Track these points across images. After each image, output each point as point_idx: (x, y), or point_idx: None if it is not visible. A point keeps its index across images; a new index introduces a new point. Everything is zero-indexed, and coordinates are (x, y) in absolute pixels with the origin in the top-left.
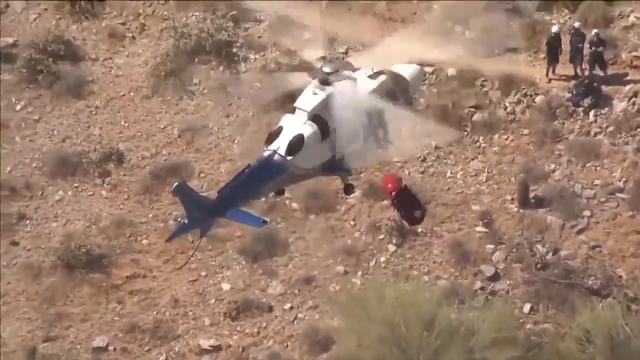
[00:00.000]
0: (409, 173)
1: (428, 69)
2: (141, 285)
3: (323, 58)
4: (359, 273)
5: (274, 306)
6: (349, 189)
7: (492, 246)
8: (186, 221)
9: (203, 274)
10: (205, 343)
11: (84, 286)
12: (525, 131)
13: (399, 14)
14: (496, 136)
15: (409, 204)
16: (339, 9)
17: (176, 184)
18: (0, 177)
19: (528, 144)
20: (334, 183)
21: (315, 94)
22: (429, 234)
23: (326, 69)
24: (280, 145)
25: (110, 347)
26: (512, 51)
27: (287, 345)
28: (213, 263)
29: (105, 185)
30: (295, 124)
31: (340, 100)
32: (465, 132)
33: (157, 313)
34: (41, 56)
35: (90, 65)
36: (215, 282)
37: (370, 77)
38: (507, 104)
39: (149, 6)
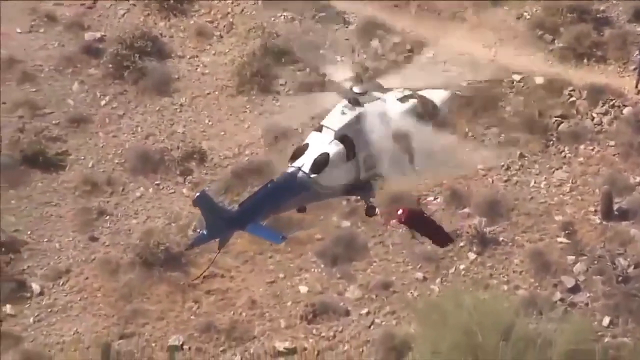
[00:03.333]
0: (492, 181)
1: (516, 77)
2: (218, 285)
3: (353, 78)
4: (438, 280)
5: (351, 310)
6: (370, 211)
7: (574, 257)
8: (205, 232)
9: (281, 275)
10: (280, 345)
11: (162, 284)
12: (612, 142)
13: (488, 21)
14: (582, 147)
15: (426, 227)
16: (429, 14)
17: (197, 193)
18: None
19: (614, 155)
20: (417, 188)
21: (344, 113)
22: (510, 243)
23: (356, 90)
24: (305, 162)
25: (186, 346)
26: (602, 61)
27: (362, 351)
28: (291, 265)
29: (186, 183)
30: (322, 143)
31: (369, 122)
32: (551, 142)
33: (233, 313)
34: (128, 52)
35: (176, 63)
36: (293, 284)
37: (400, 100)
38: (595, 115)
39: (238, 5)
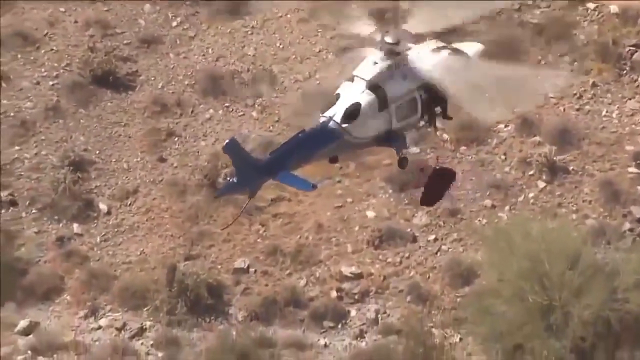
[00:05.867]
0: (564, 109)
1: (591, 5)
2: (285, 209)
3: (386, 30)
4: (507, 208)
5: (418, 237)
6: (403, 163)
7: None
8: (235, 180)
9: (349, 200)
10: (346, 270)
11: (229, 206)
12: None
13: None
14: None
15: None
16: None
17: (227, 141)
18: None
19: None
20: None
21: (376, 63)
22: (580, 172)
23: (389, 40)
24: (337, 112)
25: (251, 269)
26: None
27: (428, 277)
28: (359, 190)
29: (256, 106)
30: (353, 93)
31: (402, 72)
32: (624, 71)
33: (300, 237)
34: None
35: None
36: (361, 209)
37: (433, 50)
38: None
39: None
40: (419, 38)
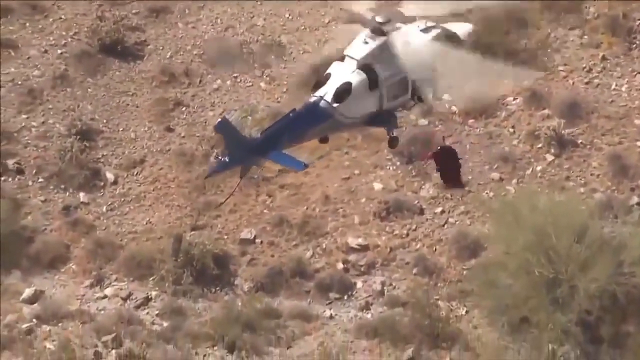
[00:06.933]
0: (573, 83)
1: None
2: (292, 180)
3: (375, 9)
4: (514, 181)
5: (425, 209)
6: (394, 142)
7: None
8: (227, 159)
9: (356, 172)
10: (353, 241)
11: (235, 177)
12: None
13: None
14: None
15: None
16: None
17: (219, 120)
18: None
19: None
20: (496, 90)
21: (366, 42)
22: (588, 146)
23: (379, 19)
24: (328, 91)
25: (258, 240)
26: None
27: (435, 249)
28: (367, 162)
29: (264, 77)
30: (344, 72)
31: (392, 51)
32: (635, 44)
33: (306, 208)
34: None
35: None
36: (368, 181)
37: (423, 30)
38: None
39: None
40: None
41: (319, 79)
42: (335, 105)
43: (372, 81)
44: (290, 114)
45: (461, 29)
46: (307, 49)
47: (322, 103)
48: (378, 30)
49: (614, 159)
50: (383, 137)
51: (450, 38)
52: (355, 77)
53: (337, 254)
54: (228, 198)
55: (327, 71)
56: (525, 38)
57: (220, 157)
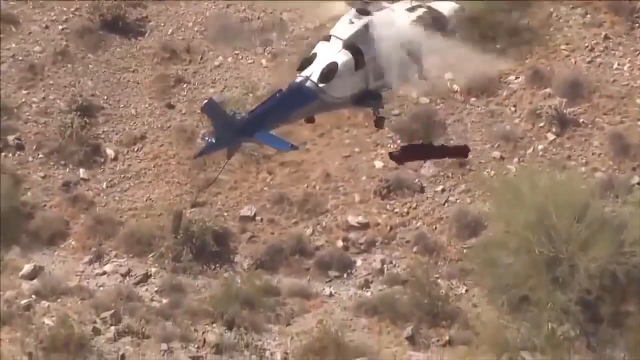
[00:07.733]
0: (575, 62)
1: None
2: (293, 157)
3: None
4: (515, 160)
5: (426, 187)
6: (379, 122)
7: None
8: (214, 140)
9: (357, 150)
10: (353, 219)
11: (236, 154)
12: None
13: None
14: None
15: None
16: None
17: (205, 101)
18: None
19: None
20: (497, 69)
21: (352, 22)
22: (590, 125)
23: None
24: (314, 72)
25: (258, 217)
26: None
27: (435, 228)
28: (368, 140)
29: (266, 54)
30: (330, 52)
31: (378, 31)
32: (637, 24)
33: (307, 186)
34: None
35: None
36: (369, 159)
37: (408, 10)
38: None
39: None
40: None
41: (305, 59)
42: (321, 85)
43: (358, 61)
44: (277, 95)
45: (446, 7)
46: (309, 26)
47: (308, 83)
48: (363, 10)
49: (616, 138)
50: (384, 115)
51: (435, 17)
52: (341, 57)
53: (337, 231)
54: (215, 179)
55: (313, 51)
56: (527, 17)
57: (207, 138)
